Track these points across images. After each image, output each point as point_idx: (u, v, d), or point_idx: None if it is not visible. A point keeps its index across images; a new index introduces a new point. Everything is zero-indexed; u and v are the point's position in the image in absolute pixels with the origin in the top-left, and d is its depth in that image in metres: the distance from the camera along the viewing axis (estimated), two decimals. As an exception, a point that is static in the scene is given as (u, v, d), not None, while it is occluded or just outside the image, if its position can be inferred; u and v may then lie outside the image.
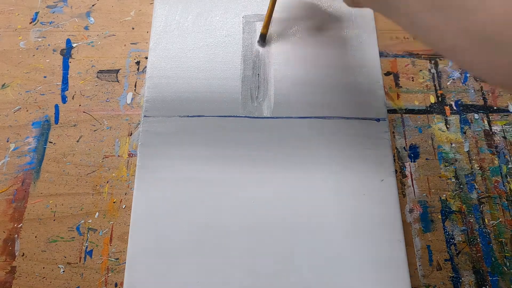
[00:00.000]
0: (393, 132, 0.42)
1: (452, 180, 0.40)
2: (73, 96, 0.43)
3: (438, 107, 0.44)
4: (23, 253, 0.37)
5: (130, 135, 0.42)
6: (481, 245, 0.38)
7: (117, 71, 0.45)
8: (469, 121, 0.43)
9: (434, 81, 0.45)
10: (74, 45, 0.46)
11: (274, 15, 0.43)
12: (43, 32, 0.47)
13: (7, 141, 0.41)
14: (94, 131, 0.42)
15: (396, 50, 0.46)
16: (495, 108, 0.44)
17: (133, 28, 0.47)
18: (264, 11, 0.43)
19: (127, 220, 0.38)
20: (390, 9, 0.31)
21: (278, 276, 0.35)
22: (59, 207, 0.39)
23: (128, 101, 0.43)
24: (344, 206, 0.38)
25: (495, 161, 0.41)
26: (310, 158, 0.39)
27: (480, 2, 0.23)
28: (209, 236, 0.36)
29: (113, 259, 0.37)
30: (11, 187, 0.39)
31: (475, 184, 0.40)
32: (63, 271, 0.37)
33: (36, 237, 0.38)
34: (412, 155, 0.41)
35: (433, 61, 0.46)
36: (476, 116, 0.43)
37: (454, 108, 0.44)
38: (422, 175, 0.41)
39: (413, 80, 0.45)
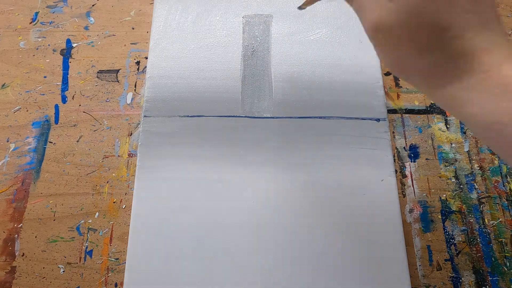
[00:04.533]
0: (393, 132, 0.42)
1: (452, 180, 0.40)
2: (73, 96, 0.43)
3: (438, 107, 0.44)
4: (23, 253, 0.37)
5: (130, 135, 0.42)
6: (481, 245, 0.38)
7: (117, 71, 0.45)
8: (469, 121, 0.43)
9: (434, 81, 0.45)
10: (74, 45, 0.46)
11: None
12: (43, 32, 0.47)
13: (7, 141, 0.41)
14: (94, 131, 0.42)
15: (396, 50, 0.46)
16: (495, 108, 0.44)
17: (133, 28, 0.47)
18: (264, 11, 0.43)
19: (127, 220, 0.38)
20: (414, 83, 0.29)
21: (278, 276, 0.35)
22: (59, 207, 0.39)
23: (128, 101, 0.43)
24: (344, 206, 0.38)
25: (495, 161, 0.41)
26: (310, 158, 0.39)
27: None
28: (208, 236, 0.36)
29: (113, 259, 0.37)
30: (11, 187, 0.39)
31: (475, 184, 0.40)
32: (63, 271, 0.37)
33: (36, 237, 0.38)
34: (412, 155, 0.41)
35: (433, 61, 0.46)
36: (476, 116, 0.43)
37: (454, 108, 0.44)
38: (422, 175, 0.41)
39: (413, 80, 0.45)
